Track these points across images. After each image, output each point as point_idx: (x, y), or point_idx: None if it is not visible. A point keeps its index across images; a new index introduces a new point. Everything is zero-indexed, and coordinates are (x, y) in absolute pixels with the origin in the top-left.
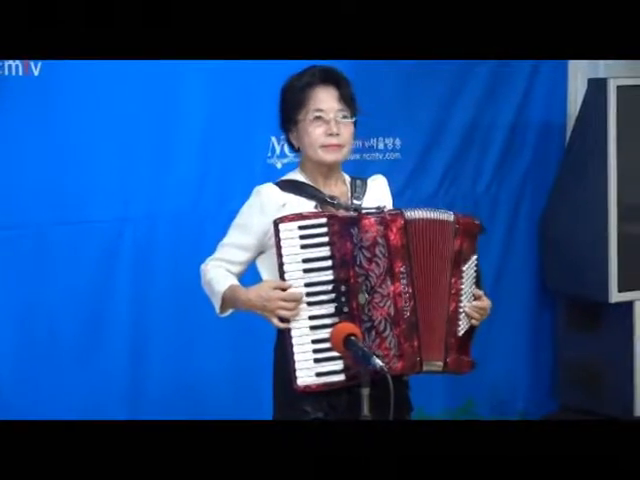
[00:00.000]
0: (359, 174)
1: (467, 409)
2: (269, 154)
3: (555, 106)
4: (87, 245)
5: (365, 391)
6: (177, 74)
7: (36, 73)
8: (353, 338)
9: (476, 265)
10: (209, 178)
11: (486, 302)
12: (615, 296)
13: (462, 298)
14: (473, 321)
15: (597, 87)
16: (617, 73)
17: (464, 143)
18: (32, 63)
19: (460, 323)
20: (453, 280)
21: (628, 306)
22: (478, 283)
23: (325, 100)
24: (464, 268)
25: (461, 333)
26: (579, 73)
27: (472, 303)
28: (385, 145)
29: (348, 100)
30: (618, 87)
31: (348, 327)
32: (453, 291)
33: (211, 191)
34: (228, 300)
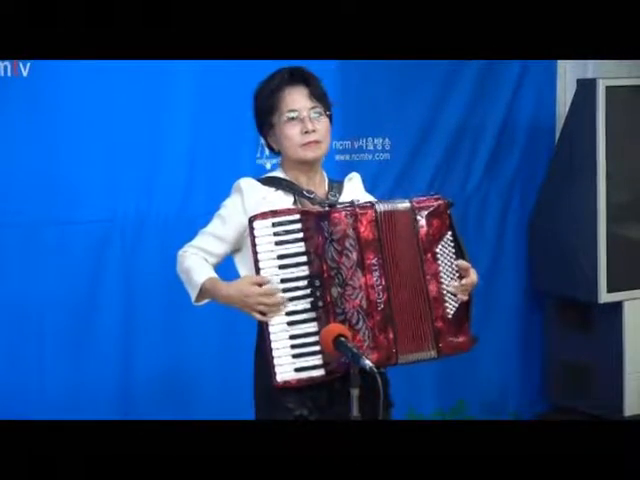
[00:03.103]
0: (348, 174)
1: (458, 409)
2: (258, 155)
3: (544, 106)
4: (76, 245)
5: (355, 392)
6: (165, 75)
7: (25, 74)
8: (343, 339)
9: (453, 241)
10: (198, 179)
11: (470, 278)
12: (604, 296)
13: (442, 279)
14: (463, 297)
15: (586, 87)
16: (606, 73)
17: (454, 143)
18: (21, 64)
19: (447, 305)
20: (427, 264)
21: (617, 306)
22: (464, 257)
23: (296, 100)
24: (437, 249)
25: (451, 315)
26: (568, 73)
27: (456, 283)
28: (375, 145)
29: (319, 96)
30: (607, 87)
31: (337, 328)
32: (429, 275)
33: (199, 192)
34: (206, 292)
